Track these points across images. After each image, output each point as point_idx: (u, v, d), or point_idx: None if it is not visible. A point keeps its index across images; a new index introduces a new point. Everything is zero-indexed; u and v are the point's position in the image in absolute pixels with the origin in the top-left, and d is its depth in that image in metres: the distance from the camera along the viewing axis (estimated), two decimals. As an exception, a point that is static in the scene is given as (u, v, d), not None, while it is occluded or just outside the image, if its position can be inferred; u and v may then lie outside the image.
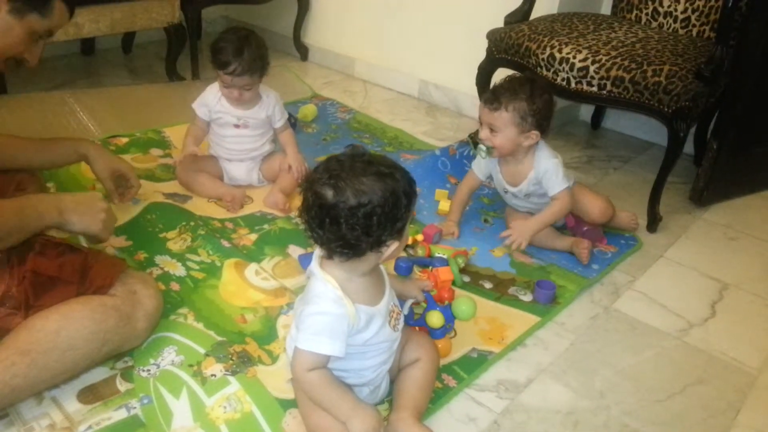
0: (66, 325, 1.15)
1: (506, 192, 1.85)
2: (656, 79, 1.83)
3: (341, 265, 1.10)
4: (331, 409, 1.09)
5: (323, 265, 1.13)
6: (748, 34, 1.91)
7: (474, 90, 2.37)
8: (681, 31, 2.23)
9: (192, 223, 1.77)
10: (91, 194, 1.36)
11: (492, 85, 1.72)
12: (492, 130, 1.69)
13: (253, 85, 1.87)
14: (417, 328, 1.39)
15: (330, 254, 1.09)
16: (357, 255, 1.07)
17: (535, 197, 1.82)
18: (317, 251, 1.15)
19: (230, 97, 1.88)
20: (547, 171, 1.73)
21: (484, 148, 1.73)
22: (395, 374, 1.26)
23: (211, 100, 1.91)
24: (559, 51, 1.99)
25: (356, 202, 1.01)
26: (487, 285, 1.66)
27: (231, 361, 1.32)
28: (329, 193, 1.02)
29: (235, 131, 1.94)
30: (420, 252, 1.72)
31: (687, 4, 2.21)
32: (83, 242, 1.65)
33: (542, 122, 1.68)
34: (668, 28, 2.26)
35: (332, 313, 1.08)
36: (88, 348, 1.18)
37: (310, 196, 1.05)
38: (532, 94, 1.66)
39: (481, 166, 1.86)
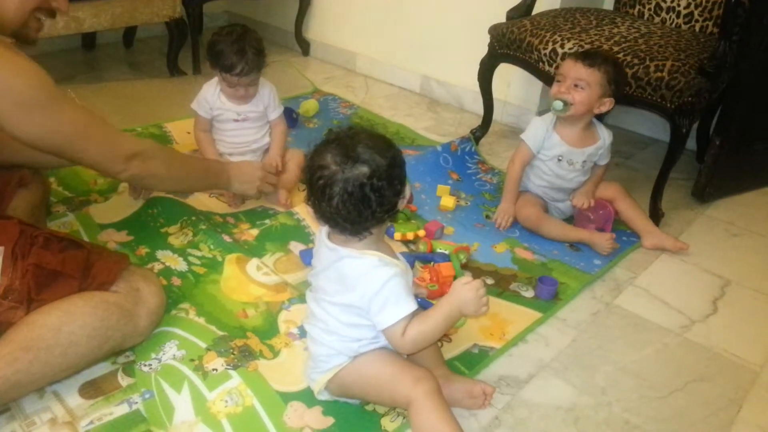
0: (68, 322, 1.15)
1: (560, 159, 1.85)
2: (659, 74, 1.82)
3: (360, 241, 1.12)
4: (446, 327, 1.14)
5: (346, 244, 1.12)
6: (752, 29, 1.90)
7: (476, 85, 2.37)
8: (684, 27, 2.23)
9: (193, 218, 1.77)
10: (252, 166, 1.76)
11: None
12: (576, 86, 1.74)
13: (257, 80, 1.89)
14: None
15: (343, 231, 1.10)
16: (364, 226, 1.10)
17: (587, 166, 1.89)
18: (324, 238, 1.15)
19: (235, 96, 1.88)
20: (608, 143, 1.88)
21: (560, 103, 1.75)
22: None
23: (210, 97, 1.91)
24: (561, 46, 1.98)
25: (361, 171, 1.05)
26: (489, 281, 1.66)
27: (232, 356, 1.32)
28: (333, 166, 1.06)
29: (235, 125, 1.94)
30: (422, 247, 1.72)
31: (690, 0, 2.21)
32: (83, 236, 1.65)
33: (618, 93, 1.78)
34: (671, 24, 2.25)
35: (395, 274, 1.09)
36: (90, 345, 1.18)
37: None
38: (617, 64, 1.79)
39: (537, 137, 1.85)
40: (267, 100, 1.96)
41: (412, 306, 1.10)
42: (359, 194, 1.05)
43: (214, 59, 1.83)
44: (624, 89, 1.83)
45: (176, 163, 1.51)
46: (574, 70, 1.74)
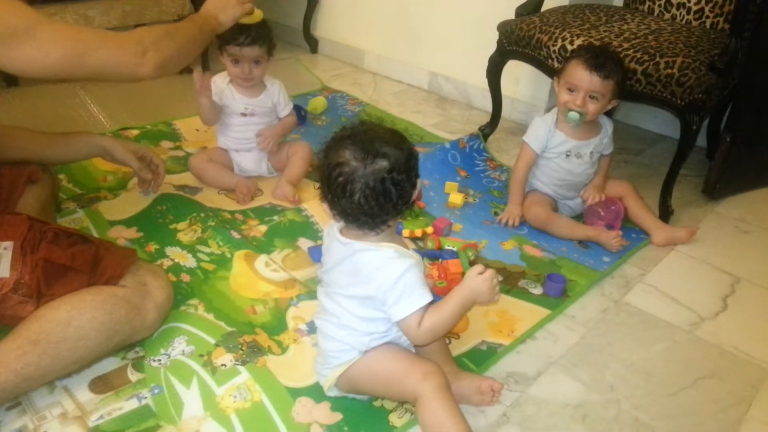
0: (76, 316, 1.16)
1: (568, 154, 1.85)
2: (669, 71, 1.81)
3: (376, 235, 1.12)
4: (461, 316, 1.16)
5: (361, 238, 1.13)
6: (763, 25, 1.88)
7: (484, 82, 2.36)
8: (694, 23, 2.21)
9: (202, 215, 1.77)
10: None
11: (588, 52, 1.76)
12: (592, 97, 1.73)
13: (261, 59, 1.87)
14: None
15: (360, 226, 1.11)
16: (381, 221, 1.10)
17: (594, 157, 1.89)
18: (336, 233, 1.15)
19: (241, 76, 1.87)
20: (609, 131, 1.89)
21: (576, 115, 1.75)
22: None
23: (220, 83, 1.92)
24: (571, 43, 1.97)
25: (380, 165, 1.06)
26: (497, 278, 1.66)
27: (241, 351, 1.33)
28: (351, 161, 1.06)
29: (242, 119, 1.94)
30: (430, 244, 1.72)
31: (701, -4, 2.19)
32: (93, 232, 1.66)
33: (623, 91, 1.80)
34: (681, 20, 2.24)
35: (411, 266, 1.10)
36: (99, 338, 1.19)
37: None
38: (622, 63, 1.80)
39: (539, 138, 1.85)
40: (277, 97, 1.97)
41: (427, 297, 1.10)
42: (380, 188, 1.06)
43: (221, 35, 1.82)
44: (626, 86, 1.83)
45: (177, 34, 1.42)
46: (589, 83, 1.71)
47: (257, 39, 1.82)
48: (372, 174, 1.05)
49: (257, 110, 1.95)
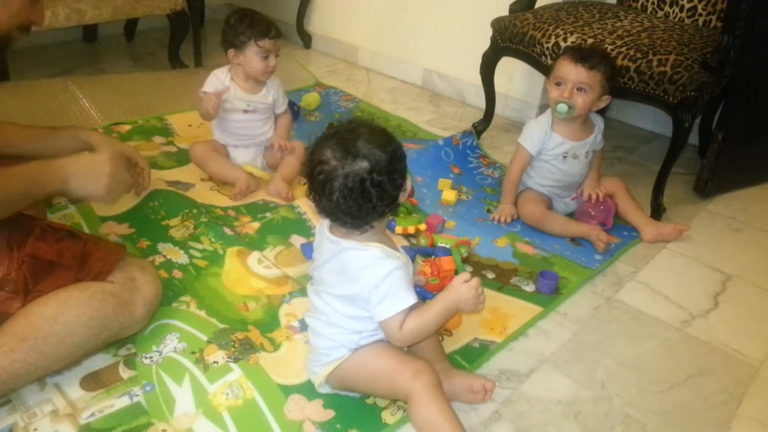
0: (64, 312, 1.15)
1: (566, 156, 1.85)
2: (662, 68, 1.82)
3: (361, 234, 1.12)
4: (443, 323, 1.16)
5: (348, 236, 1.13)
6: (755, 23, 1.88)
7: (478, 79, 2.36)
8: (687, 21, 2.22)
9: (194, 211, 1.76)
10: (95, 159, 1.28)
11: (576, 49, 1.78)
12: (579, 89, 1.74)
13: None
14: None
15: (344, 224, 1.11)
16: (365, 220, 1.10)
17: (590, 156, 1.90)
18: (326, 231, 1.15)
19: (268, 70, 1.90)
20: (602, 127, 1.89)
21: (565, 107, 1.75)
22: None
23: (222, 78, 1.91)
24: (564, 40, 1.98)
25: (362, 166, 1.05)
26: (490, 275, 1.66)
27: (233, 348, 1.32)
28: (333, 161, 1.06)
29: (244, 116, 1.94)
30: (423, 241, 1.72)
31: (694, -6, 2.20)
32: (84, 228, 1.65)
33: (613, 88, 1.80)
34: (674, 18, 2.24)
35: (396, 267, 1.10)
36: (87, 335, 1.18)
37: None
38: (612, 59, 1.81)
39: (535, 140, 1.85)
40: (276, 92, 1.98)
41: (411, 299, 1.10)
42: (359, 189, 1.05)
43: (247, 29, 1.84)
44: (618, 84, 1.84)
45: None
46: (575, 74, 1.73)
47: (279, 32, 1.90)
48: (351, 174, 1.05)
49: (259, 107, 1.95)
